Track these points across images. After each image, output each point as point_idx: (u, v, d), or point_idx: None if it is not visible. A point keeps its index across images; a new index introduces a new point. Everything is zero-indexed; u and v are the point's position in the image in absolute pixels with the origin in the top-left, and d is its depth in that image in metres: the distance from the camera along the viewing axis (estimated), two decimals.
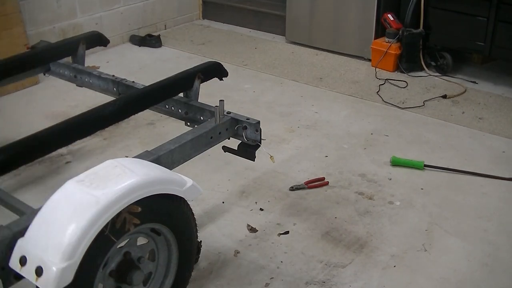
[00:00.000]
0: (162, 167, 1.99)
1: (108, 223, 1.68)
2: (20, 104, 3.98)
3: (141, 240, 1.96)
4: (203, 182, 2.81)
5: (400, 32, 4.42)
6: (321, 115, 3.84)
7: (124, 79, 2.96)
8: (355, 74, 4.52)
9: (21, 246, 1.67)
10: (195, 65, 2.94)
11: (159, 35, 5.23)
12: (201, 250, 2.43)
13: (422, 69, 4.51)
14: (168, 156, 2.30)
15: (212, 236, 2.64)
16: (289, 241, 2.61)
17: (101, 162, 1.86)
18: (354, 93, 4.18)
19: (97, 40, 3.42)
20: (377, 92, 4.17)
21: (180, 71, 2.84)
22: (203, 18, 5.94)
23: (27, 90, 4.18)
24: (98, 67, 4.46)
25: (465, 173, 3.14)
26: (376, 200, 2.92)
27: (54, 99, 4.04)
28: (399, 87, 4.27)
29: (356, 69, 4.62)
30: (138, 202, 1.76)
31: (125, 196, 1.72)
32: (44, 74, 3.28)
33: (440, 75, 4.44)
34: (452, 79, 4.36)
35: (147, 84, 2.79)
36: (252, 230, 2.69)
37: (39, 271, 1.59)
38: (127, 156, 2.74)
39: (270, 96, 4.14)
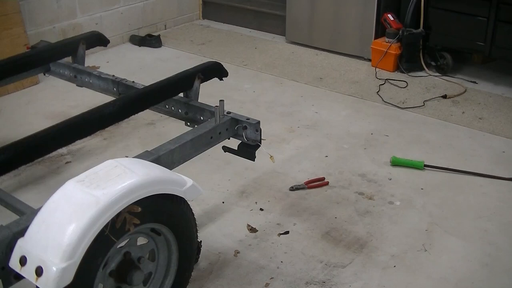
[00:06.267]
0: (162, 167, 1.99)
1: (108, 223, 1.68)
2: (20, 104, 3.98)
3: (141, 240, 1.96)
4: (203, 182, 2.81)
5: (400, 32, 4.42)
6: (321, 115, 3.84)
7: (124, 79, 2.96)
8: (355, 74, 4.52)
9: (21, 246, 1.67)
10: (195, 65, 2.94)
11: (159, 35, 5.23)
12: (201, 250, 2.43)
13: (422, 69, 4.51)
14: (168, 156, 2.30)
15: (212, 236, 2.64)
16: (289, 241, 2.61)
17: (101, 162, 1.86)
18: (354, 93, 4.18)
19: (97, 40, 3.42)
20: (377, 92, 4.17)
21: (180, 71, 2.84)
22: (203, 18, 5.94)
23: (27, 90, 4.18)
24: (98, 67, 4.46)
25: (465, 173, 3.14)
26: (376, 200, 2.92)
27: (54, 99, 4.04)
28: (399, 87, 4.27)
29: (356, 69, 4.62)
30: (138, 202, 1.76)
31: (125, 196, 1.72)
32: (44, 74, 3.28)
33: (440, 75, 4.44)
34: (452, 79, 4.36)
35: (147, 84, 2.79)
36: (252, 230, 2.69)
37: (39, 271, 1.60)
38: (127, 156, 2.74)
39: (270, 96, 4.14)
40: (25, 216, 1.87)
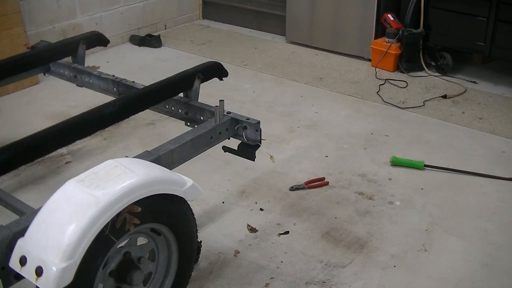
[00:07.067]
0: (162, 167, 1.99)
1: (108, 223, 1.68)
2: (20, 104, 3.98)
3: (141, 240, 1.96)
4: (203, 182, 2.81)
5: (400, 32, 4.42)
6: (321, 115, 3.84)
7: (124, 79, 2.96)
8: (355, 74, 4.52)
9: (21, 246, 1.67)
10: (195, 65, 2.95)
11: (159, 35, 5.23)
12: (201, 250, 2.43)
13: (422, 69, 4.51)
14: (168, 156, 2.30)
15: (212, 236, 2.64)
16: (289, 241, 2.61)
17: (101, 162, 1.86)
18: (354, 93, 4.18)
19: (97, 40, 3.43)
20: (377, 92, 4.17)
21: (180, 71, 2.84)
22: (203, 18, 5.94)
23: (27, 90, 4.18)
24: (98, 67, 4.46)
25: (465, 173, 3.14)
26: (376, 200, 2.92)
27: (54, 99, 4.04)
28: (399, 87, 4.27)
29: (356, 69, 4.62)
30: (138, 202, 1.76)
31: (125, 196, 1.72)
32: (44, 74, 3.28)
33: (440, 75, 4.44)
34: (452, 79, 4.36)
35: (147, 84, 2.79)
36: (252, 230, 2.69)
37: (39, 271, 1.60)
38: (127, 156, 2.74)
39: (270, 96, 4.14)
40: (25, 216, 1.87)
